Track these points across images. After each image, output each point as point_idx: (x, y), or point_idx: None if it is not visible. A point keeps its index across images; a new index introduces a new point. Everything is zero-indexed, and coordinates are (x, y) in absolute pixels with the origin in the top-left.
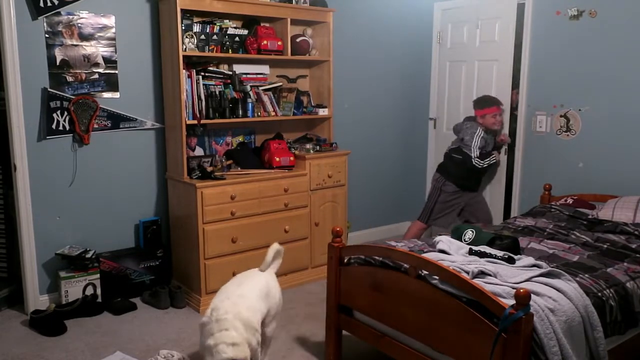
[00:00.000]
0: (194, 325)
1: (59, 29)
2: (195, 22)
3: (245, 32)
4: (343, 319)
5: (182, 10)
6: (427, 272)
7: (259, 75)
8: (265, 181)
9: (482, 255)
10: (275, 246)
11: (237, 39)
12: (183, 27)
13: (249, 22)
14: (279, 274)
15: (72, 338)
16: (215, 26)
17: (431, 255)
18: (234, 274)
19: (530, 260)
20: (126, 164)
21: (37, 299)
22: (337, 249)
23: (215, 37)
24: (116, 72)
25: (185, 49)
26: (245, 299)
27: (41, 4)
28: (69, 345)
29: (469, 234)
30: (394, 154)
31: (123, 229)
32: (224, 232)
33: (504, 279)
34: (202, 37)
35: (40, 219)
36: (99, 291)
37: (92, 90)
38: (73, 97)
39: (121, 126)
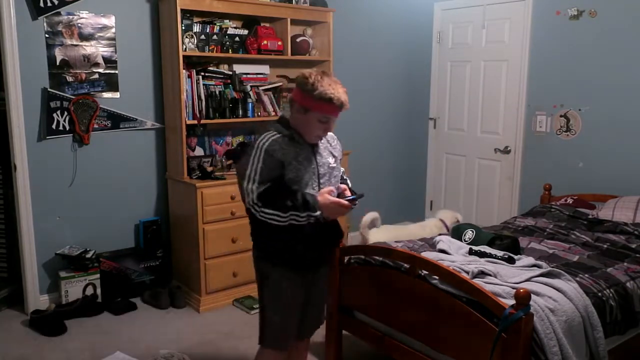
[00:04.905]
0: (194, 325)
1: (59, 29)
2: (195, 22)
3: (245, 32)
4: (343, 319)
5: (182, 10)
6: (427, 272)
7: (259, 75)
8: None
9: (482, 255)
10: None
11: (237, 39)
12: (183, 27)
13: (249, 22)
14: None
15: (72, 338)
16: (215, 26)
17: (431, 255)
18: (234, 274)
19: (530, 260)
20: (126, 164)
21: (37, 299)
22: (337, 249)
23: (215, 37)
24: (116, 72)
25: (185, 49)
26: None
27: (41, 4)
28: (69, 345)
29: (469, 234)
30: (394, 154)
31: (123, 229)
32: (224, 232)
33: (504, 279)
34: (202, 37)
35: (40, 219)
36: (99, 291)
37: (92, 90)
38: (73, 97)
39: (121, 126)
